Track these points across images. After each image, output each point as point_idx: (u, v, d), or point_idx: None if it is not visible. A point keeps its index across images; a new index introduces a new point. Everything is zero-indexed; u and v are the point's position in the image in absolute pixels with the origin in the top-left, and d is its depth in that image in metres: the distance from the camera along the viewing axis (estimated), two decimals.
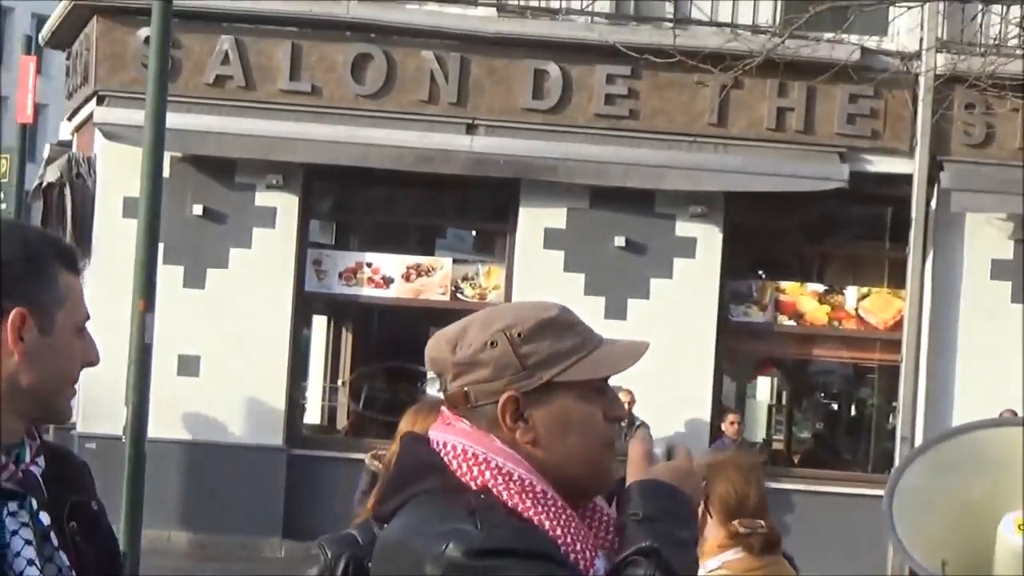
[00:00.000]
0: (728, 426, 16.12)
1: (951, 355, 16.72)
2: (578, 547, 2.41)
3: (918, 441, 16.29)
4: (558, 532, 2.38)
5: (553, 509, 2.42)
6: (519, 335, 2.48)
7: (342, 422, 18.20)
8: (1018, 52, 14.59)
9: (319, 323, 18.78)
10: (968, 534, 2.13)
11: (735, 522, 4.00)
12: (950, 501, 2.20)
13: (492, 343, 2.48)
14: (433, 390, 13.26)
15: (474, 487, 2.43)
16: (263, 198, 16.53)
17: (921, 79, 16.19)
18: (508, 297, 16.73)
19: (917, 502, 2.15)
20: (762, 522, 4.03)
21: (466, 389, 2.49)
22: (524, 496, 2.42)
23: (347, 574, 4.18)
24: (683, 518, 2.43)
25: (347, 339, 18.94)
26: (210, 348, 16.24)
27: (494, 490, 2.42)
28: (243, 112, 16.19)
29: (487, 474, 2.45)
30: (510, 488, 2.42)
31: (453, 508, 2.37)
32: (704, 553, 3.96)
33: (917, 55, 16.13)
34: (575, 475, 2.48)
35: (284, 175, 16.32)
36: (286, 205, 16.56)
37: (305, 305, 17.24)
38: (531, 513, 2.39)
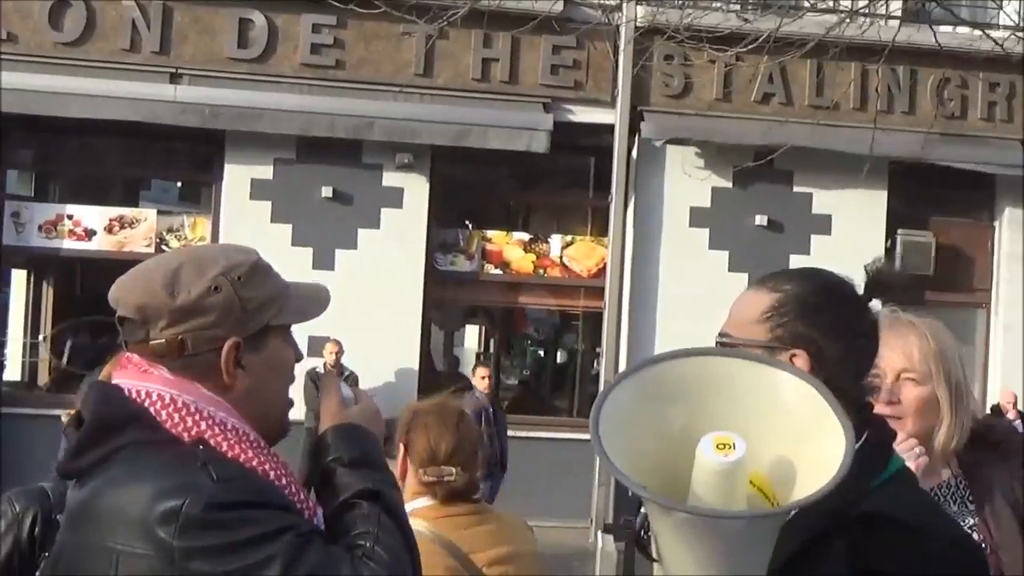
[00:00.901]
0: (479, 380, 16.01)
1: (652, 301, 17.56)
2: (301, 495, 2.46)
3: None
4: (283, 481, 2.42)
5: (270, 457, 2.44)
6: (239, 278, 2.51)
7: (44, 378, 18.18)
8: (715, 5, 15.31)
9: (19, 277, 18.57)
10: (669, 457, 2.23)
11: (421, 471, 4.21)
12: (653, 425, 2.26)
13: (215, 288, 2.47)
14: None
15: (187, 438, 2.39)
16: None
17: (622, 30, 16.79)
18: None
19: (621, 425, 2.18)
20: (452, 470, 4.20)
21: (182, 337, 2.46)
22: (242, 445, 2.41)
23: (34, 529, 4.19)
24: (380, 459, 2.52)
25: (48, 293, 18.77)
26: None
27: (211, 441, 2.39)
28: None
29: (202, 424, 2.41)
30: (228, 438, 2.41)
31: (177, 461, 2.31)
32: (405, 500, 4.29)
33: (618, 7, 16.51)
34: (275, 418, 2.56)
35: None
36: None
37: (3, 259, 17.13)
38: (254, 463, 2.40)
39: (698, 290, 17.14)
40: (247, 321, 2.50)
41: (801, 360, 2.56)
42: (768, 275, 2.75)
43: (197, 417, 2.41)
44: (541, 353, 20.33)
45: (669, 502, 2.15)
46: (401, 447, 4.31)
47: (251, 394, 2.49)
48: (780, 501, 2.22)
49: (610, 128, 17.53)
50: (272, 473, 2.40)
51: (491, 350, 19.91)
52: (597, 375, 18.12)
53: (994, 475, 3.92)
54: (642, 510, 2.43)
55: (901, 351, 3.82)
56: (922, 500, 2.75)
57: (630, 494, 2.20)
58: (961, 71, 17.37)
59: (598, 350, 18.12)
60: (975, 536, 3.78)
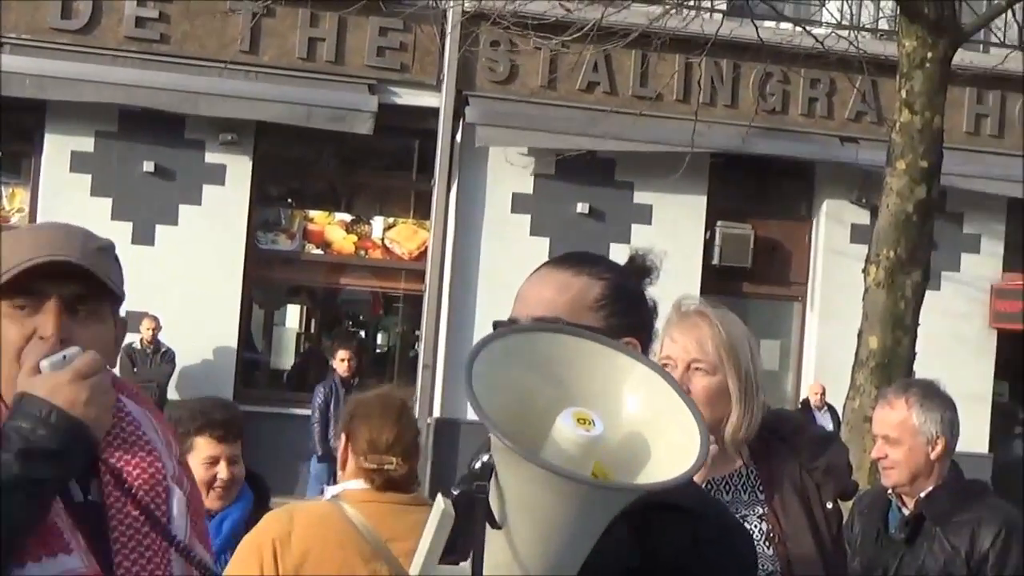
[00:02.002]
0: (339, 363, 16.51)
1: (472, 285, 18.32)
2: None
3: (439, 369, 18.20)
4: None
5: None
6: None
7: None
8: None
9: None
10: (523, 425, 2.23)
11: (362, 457, 4.40)
12: (515, 391, 2.27)
13: None
14: None
15: None
16: None
17: (449, 15, 17.61)
18: (33, 220, 17.23)
19: (488, 385, 2.19)
20: (392, 459, 4.40)
21: None
22: None
23: None
24: (31, 428, 2.37)
25: None
26: None
27: None
28: None
29: None
30: None
31: None
32: (340, 479, 4.57)
33: None
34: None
35: None
36: None
37: None
38: None
39: (519, 276, 16.75)
40: None
41: (632, 349, 2.57)
42: (569, 258, 2.86)
43: None
44: (362, 334, 20.75)
45: (541, 458, 2.16)
46: (343, 436, 4.51)
47: None
48: None
49: (435, 112, 18.28)
50: None
51: (312, 330, 20.44)
52: (416, 357, 18.80)
53: (784, 466, 4.16)
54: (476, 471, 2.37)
55: (693, 341, 4.04)
56: (697, 489, 2.85)
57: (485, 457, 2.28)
58: (783, 66, 18.50)
59: (417, 333, 18.86)
60: (764, 525, 4.05)
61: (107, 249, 2.68)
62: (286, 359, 20.25)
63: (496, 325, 2.68)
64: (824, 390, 17.91)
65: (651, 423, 2.31)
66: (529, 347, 2.33)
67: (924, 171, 11.87)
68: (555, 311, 2.70)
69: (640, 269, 2.87)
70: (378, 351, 20.24)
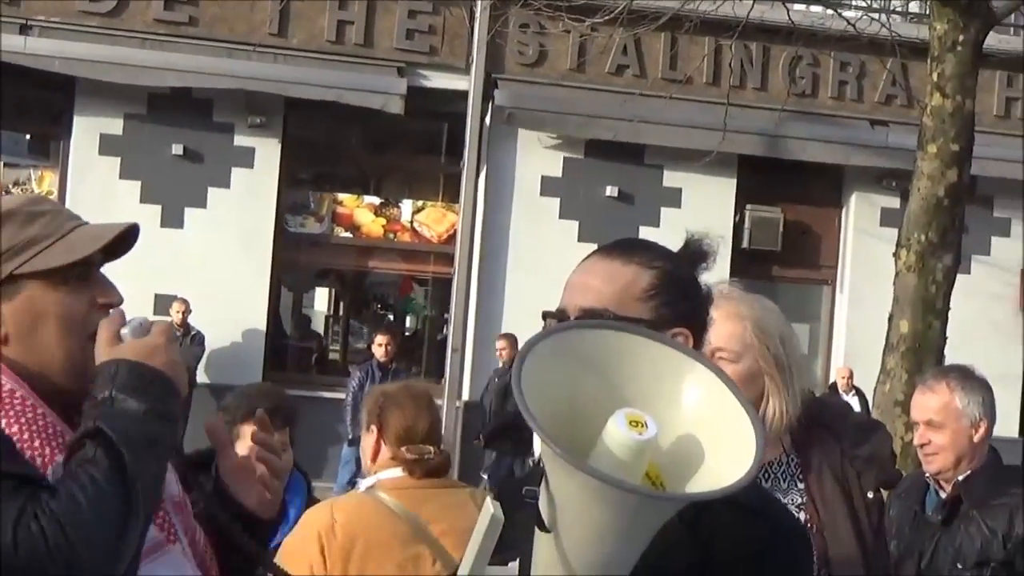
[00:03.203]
0: (377, 348, 16.54)
1: (501, 269, 18.33)
2: (36, 444, 2.46)
3: (468, 352, 18.15)
4: (15, 429, 2.44)
5: (17, 407, 2.48)
6: None
7: None
8: None
9: None
10: (571, 426, 2.21)
11: (403, 448, 4.54)
12: (565, 391, 2.24)
13: None
14: None
15: None
16: None
17: None
18: (62, 203, 17.68)
19: (537, 385, 2.16)
20: (431, 448, 4.56)
21: None
22: None
23: None
24: (142, 390, 2.41)
25: None
26: None
27: None
28: None
29: None
30: None
31: None
32: (371, 470, 4.66)
33: None
34: (57, 372, 2.57)
35: None
36: None
37: None
38: None
39: (547, 259, 17.62)
40: None
41: (683, 339, 2.60)
42: (619, 246, 2.76)
43: None
44: (391, 317, 20.74)
45: (590, 467, 2.12)
46: (373, 428, 4.63)
47: (17, 346, 2.54)
48: None
49: (464, 95, 18.26)
50: (4, 421, 2.44)
51: (340, 313, 20.45)
52: (444, 340, 18.78)
53: (826, 455, 4.13)
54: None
55: (716, 329, 3.73)
56: (756, 486, 2.68)
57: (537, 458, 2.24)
58: (813, 49, 18.59)
59: (446, 316, 18.87)
60: (801, 514, 4.00)
61: None
62: (314, 342, 20.25)
63: (545, 315, 2.69)
64: (852, 374, 17.90)
65: (705, 422, 2.27)
66: (576, 345, 2.30)
67: (955, 155, 11.85)
68: (603, 302, 2.63)
69: (696, 254, 2.82)
70: (407, 335, 20.16)
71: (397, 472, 4.52)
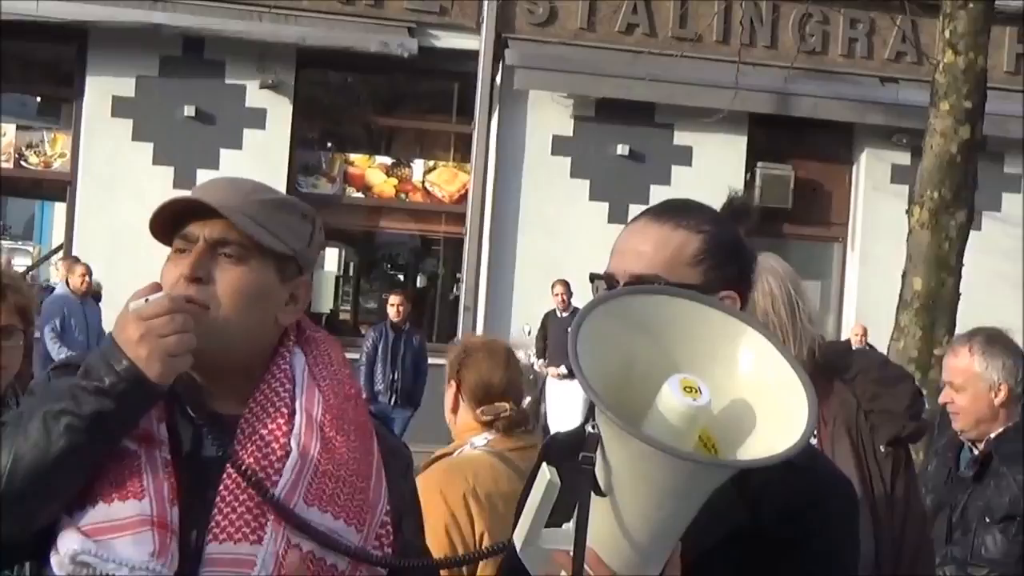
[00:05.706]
0: (390, 307, 16.24)
1: (513, 228, 18.34)
2: None
3: (480, 311, 18.17)
4: None
5: None
6: None
7: None
8: None
9: None
10: (624, 391, 2.23)
11: (479, 410, 4.55)
12: (619, 355, 2.27)
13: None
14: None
15: None
16: None
17: None
18: (74, 165, 17.45)
19: (592, 350, 2.18)
20: (506, 405, 4.54)
21: None
22: None
23: None
24: (94, 367, 2.44)
25: None
26: None
27: None
28: None
29: None
30: None
31: None
32: (458, 433, 4.66)
33: None
34: None
35: None
36: None
37: None
38: None
39: (559, 218, 18.06)
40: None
41: (731, 302, 2.61)
42: (668, 209, 2.75)
43: None
44: (401, 278, 20.82)
45: (646, 434, 2.15)
46: (453, 384, 4.64)
47: None
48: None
49: (474, 54, 18.24)
50: None
51: (351, 273, 20.49)
52: (457, 300, 18.82)
53: (841, 407, 4.18)
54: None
55: None
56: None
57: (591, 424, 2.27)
58: (823, 6, 18.51)
59: (458, 275, 18.90)
60: None
61: (274, 202, 2.70)
62: (325, 302, 20.25)
63: (592, 277, 2.70)
64: (866, 331, 17.81)
65: (756, 386, 2.30)
66: (630, 310, 2.33)
67: (968, 112, 11.74)
68: (653, 268, 2.63)
69: (739, 212, 2.81)
70: (419, 294, 20.16)
71: (488, 434, 4.55)
